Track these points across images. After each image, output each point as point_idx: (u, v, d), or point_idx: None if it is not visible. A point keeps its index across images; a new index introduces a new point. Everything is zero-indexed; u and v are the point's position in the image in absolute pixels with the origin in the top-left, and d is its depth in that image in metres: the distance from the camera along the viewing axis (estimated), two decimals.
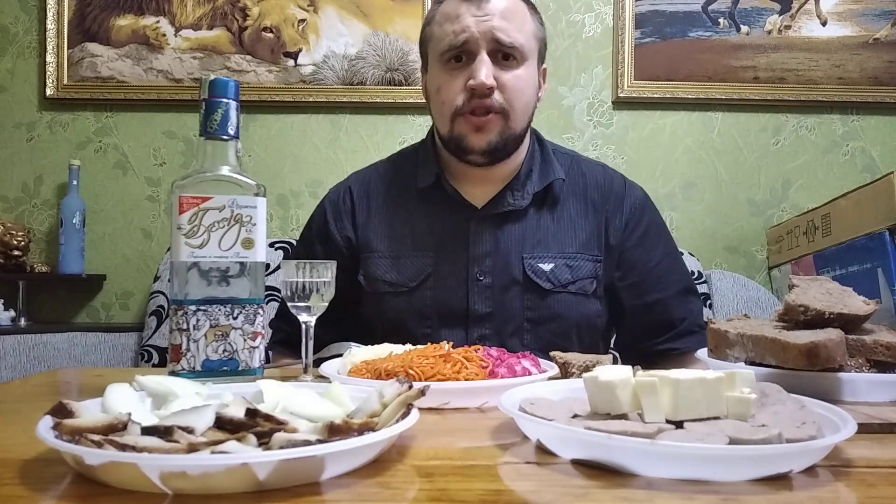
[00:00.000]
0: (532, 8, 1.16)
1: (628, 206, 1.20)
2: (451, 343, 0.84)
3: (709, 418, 0.52)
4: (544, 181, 1.17)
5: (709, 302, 1.87)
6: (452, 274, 1.13)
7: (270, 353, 1.24)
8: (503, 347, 0.89)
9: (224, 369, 0.76)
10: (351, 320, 1.20)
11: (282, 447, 0.44)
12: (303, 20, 2.08)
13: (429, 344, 0.86)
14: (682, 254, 1.38)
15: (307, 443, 0.45)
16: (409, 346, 0.87)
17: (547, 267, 1.13)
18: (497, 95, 1.08)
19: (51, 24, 2.05)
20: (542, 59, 1.17)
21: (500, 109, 1.09)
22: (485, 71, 1.07)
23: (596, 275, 1.16)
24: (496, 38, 1.08)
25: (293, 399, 0.58)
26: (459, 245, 1.14)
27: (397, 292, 1.15)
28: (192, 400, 0.58)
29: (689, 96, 2.08)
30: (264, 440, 0.46)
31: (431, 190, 1.18)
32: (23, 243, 1.93)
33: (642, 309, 1.18)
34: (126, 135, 2.10)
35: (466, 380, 0.73)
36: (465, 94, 1.09)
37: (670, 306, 1.18)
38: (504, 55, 1.09)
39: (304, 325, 0.84)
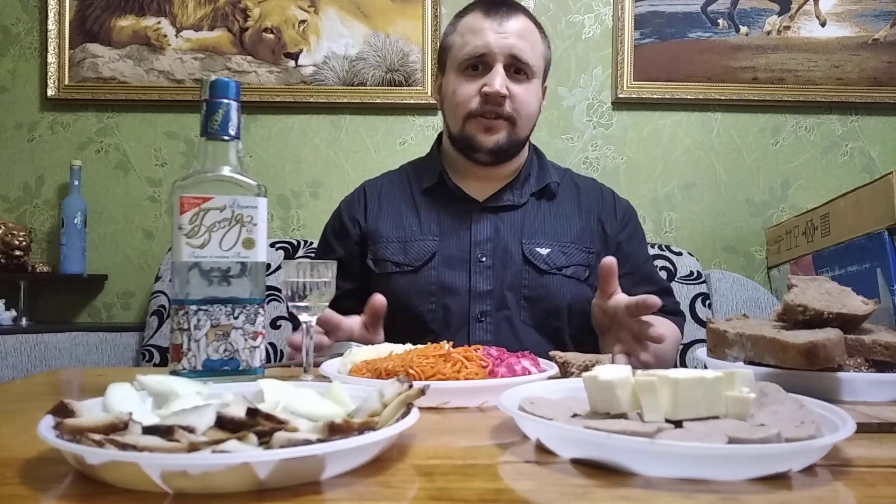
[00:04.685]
0: (542, 32, 1.29)
1: (620, 209, 1.34)
2: (451, 343, 0.84)
3: (708, 418, 0.52)
4: (541, 183, 1.31)
5: (708, 302, 1.87)
6: (456, 256, 1.24)
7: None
8: (502, 321, 1.01)
9: (225, 369, 0.76)
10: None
11: (282, 446, 0.44)
12: (303, 21, 2.08)
13: (433, 319, 1.00)
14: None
15: (308, 442, 0.45)
16: (409, 346, 0.88)
17: (544, 251, 1.25)
18: (507, 104, 1.21)
19: (52, 25, 2.05)
20: (545, 77, 1.31)
21: (509, 116, 1.22)
22: (500, 81, 1.19)
23: (588, 264, 1.26)
24: (514, 54, 1.21)
25: (294, 398, 0.59)
26: (462, 230, 1.26)
27: (403, 272, 1.25)
28: (193, 399, 0.58)
29: (689, 97, 2.08)
30: (265, 439, 0.46)
31: (436, 188, 1.30)
32: (24, 243, 1.93)
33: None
34: (127, 135, 2.10)
35: (466, 379, 0.73)
36: (478, 99, 1.21)
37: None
38: (517, 69, 1.22)
39: (304, 325, 0.84)
